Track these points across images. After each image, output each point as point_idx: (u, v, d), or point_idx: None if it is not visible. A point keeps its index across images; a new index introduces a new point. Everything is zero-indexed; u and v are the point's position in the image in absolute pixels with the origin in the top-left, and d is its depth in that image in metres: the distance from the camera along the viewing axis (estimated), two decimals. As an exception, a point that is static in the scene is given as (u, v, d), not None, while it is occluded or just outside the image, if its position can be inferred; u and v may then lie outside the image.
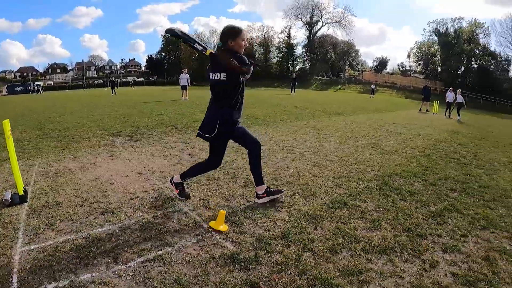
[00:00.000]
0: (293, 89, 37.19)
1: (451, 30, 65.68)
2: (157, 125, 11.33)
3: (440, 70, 67.51)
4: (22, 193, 4.49)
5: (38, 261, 3.03)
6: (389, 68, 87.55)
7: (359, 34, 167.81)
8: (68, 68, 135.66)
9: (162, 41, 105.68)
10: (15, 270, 2.90)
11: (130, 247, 3.31)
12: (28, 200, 4.51)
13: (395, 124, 14.10)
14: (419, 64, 75.29)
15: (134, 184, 5.24)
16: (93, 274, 2.85)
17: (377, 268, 3.01)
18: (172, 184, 4.58)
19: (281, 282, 2.75)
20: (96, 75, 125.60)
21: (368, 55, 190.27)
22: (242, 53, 4.03)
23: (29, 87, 69.89)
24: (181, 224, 3.84)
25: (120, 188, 5.04)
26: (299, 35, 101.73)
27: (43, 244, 3.35)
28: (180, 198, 4.50)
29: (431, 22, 71.44)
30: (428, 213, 4.30)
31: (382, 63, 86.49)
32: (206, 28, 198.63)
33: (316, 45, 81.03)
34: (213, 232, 3.61)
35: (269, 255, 3.15)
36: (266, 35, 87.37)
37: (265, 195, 4.37)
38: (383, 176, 5.89)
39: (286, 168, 6.15)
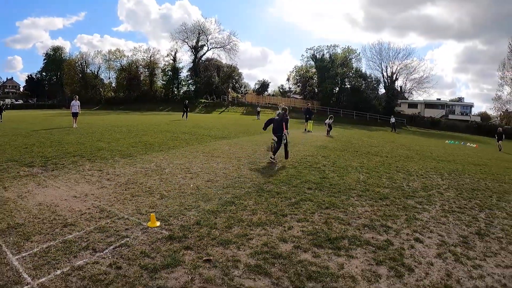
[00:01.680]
0: (185, 114, 37.28)
1: (327, 55, 71.55)
2: (63, 155, 11.50)
3: (317, 91, 73.39)
4: None
5: (38, 261, 4.16)
6: (270, 89, 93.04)
7: (242, 56, 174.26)
8: None
9: (44, 59, 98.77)
10: (21, 270, 3.95)
11: (100, 241, 4.72)
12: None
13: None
14: (298, 86, 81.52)
15: (76, 204, 6.31)
16: (84, 260, 4.20)
17: (256, 232, 5.06)
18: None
19: (202, 244, 4.59)
20: None
21: (250, 77, 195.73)
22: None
23: None
24: (128, 225, 5.34)
25: (67, 208, 6.07)
26: (185, 58, 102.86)
27: (32, 251, 4.41)
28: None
29: (308, 49, 76.05)
30: (290, 203, 6.51)
31: (263, 86, 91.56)
32: (89, 46, 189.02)
33: (201, 68, 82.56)
34: (151, 228, 5.20)
35: (191, 233, 4.95)
36: (152, 58, 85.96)
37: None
38: (259, 184, 7.99)
39: (187, 184, 7.82)
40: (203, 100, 72.01)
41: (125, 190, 7.32)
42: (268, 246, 4.57)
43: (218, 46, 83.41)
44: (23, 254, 4.33)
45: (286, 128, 11.30)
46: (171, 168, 9.58)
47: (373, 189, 7.89)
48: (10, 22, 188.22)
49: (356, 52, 70.81)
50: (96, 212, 5.91)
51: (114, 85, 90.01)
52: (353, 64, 70.28)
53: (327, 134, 25.24)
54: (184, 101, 42.05)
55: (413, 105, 68.20)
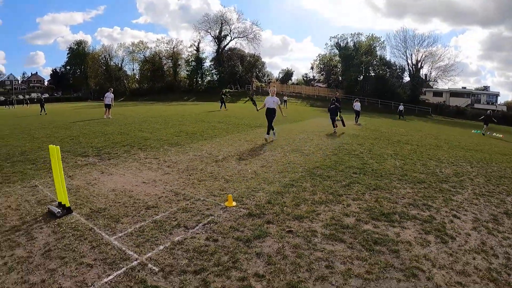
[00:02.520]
0: (223, 104, 35.92)
1: (351, 44, 71.68)
2: (112, 145, 11.97)
3: (341, 79, 73.35)
4: (69, 205, 5.50)
5: (137, 239, 4.62)
6: (294, 78, 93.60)
7: (263, 45, 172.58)
8: None
9: (68, 53, 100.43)
10: (124, 248, 4.37)
11: (188, 220, 5.31)
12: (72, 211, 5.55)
13: (307, 132, 17.33)
14: (322, 75, 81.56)
15: (149, 189, 6.87)
16: (180, 236, 4.75)
17: (321, 209, 5.90)
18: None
19: (280, 219, 5.43)
20: None
21: (271, 65, 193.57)
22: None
23: None
24: (207, 205, 6.00)
25: (142, 192, 6.64)
26: (208, 49, 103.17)
27: (127, 231, 4.86)
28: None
29: (332, 37, 76.78)
30: (341, 185, 7.36)
31: (287, 75, 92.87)
32: (110, 39, 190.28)
33: (225, 58, 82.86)
34: (229, 207, 5.92)
35: (267, 210, 5.79)
36: (175, 49, 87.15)
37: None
38: (309, 169, 8.82)
39: (245, 170, 8.65)
40: (227, 90, 72.58)
41: (190, 175, 7.97)
42: (335, 219, 5.38)
43: (240, 36, 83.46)
44: (119, 235, 4.76)
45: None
46: (223, 155, 10.34)
47: (410, 174, 8.64)
48: (31, 19, 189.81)
49: (380, 40, 70.49)
50: (172, 195, 6.50)
51: (138, 77, 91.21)
52: (377, 52, 69.92)
53: (355, 122, 25.79)
54: (221, 91, 41.80)
55: (438, 93, 67.18)
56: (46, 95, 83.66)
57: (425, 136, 20.14)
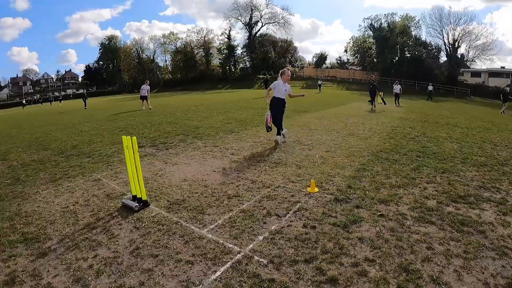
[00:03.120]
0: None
1: (385, 25, 70.91)
2: (165, 134, 12.19)
3: (376, 61, 72.59)
4: (146, 198, 5.41)
5: (231, 230, 4.54)
6: (327, 62, 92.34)
7: (293, 29, 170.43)
8: (2, 85, 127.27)
9: (100, 49, 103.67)
10: (221, 241, 4.28)
11: (277, 208, 5.29)
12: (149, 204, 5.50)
13: (355, 116, 17.44)
14: (356, 57, 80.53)
15: (222, 178, 6.91)
16: (276, 225, 4.70)
17: (401, 192, 6.06)
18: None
19: (366, 203, 5.55)
20: (32, 90, 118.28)
21: (302, 50, 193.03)
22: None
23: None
24: (290, 192, 6.01)
25: (215, 181, 6.65)
26: (239, 36, 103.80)
27: (217, 223, 4.78)
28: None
29: (366, 18, 75.85)
30: (411, 169, 7.48)
31: (321, 58, 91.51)
32: (139, 32, 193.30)
33: (257, 44, 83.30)
34: (313, 193, 5.92)
35: (351, 195, 5.91)
36: (206, 38, 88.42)
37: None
38: (373, 153, 8.97)
39: (312, 155, 8.70)
40: (261, 76, 72.56)
41: (258, 162, 8.04)
42: (418, 202, 5.51)
43: (271, 21, 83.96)
44: (211, 227, 4.68)
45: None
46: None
47: (471, 157, 8.64)
48: (60, 19, 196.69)
49: (414, 20, 69.29)
50: (250, 183, 6.50)
51: (170, 68, 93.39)
52: (412, 32, 68.72)
53: (396, 104, 25.74)
54: (265, 77, 41.97)
55: (476, 74, 65.36)
56: (81, 91, 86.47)
57: (471, 119, 19.87)
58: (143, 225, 4.81)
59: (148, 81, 28.59)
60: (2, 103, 78.82)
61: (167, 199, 5.77)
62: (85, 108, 32.40)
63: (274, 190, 6.14)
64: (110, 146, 10.55)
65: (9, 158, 9.79)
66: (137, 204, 5.27)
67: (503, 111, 27.39)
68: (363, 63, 77.00)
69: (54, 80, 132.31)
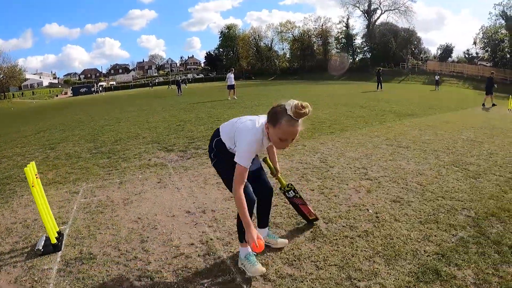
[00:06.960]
0: (379, 84, 33.85)
1: (521, 11, 57.47)
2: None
3: (509, 57, 59.22)
4: (55, 241, 4.08)
5: None
6: (453, 55, 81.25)
7: (416, 18, 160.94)
8: (130, 68, 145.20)
9: (220, 37, 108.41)
10: None
11: None
12: (62, 248, 4.11)
13: (474, 129, 11.61)
14: (486, 51, 67.17)
15: (180, 230, 4.49)
16: None
17: None
18: None
19: None
20: (156, 74, 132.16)
21: (426, 41, 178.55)
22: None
23: (93, 88, 76.94)
24: None
25: (163, 237, 4.32)
26: (358, 25, 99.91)
27: None
28: None
29: (497, 5, 61.01)
30: None
31: (446, 51, 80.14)
32: (259, 21, 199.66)
33: (376, 34, 78.44)
34: None
35: None
36: (323, 26, 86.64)
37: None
38: (477, 219, 4.37)
39: (362, 206, 4.93)
40: (380, 68, 68.41)
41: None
42: None
43: (391, 9, 79.29)
44: None
45: None
46: (341, 167, 6.97)
47: None
48: (183, 9, 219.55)
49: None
50: (197, 255, 3.93)
51: (288, 56, 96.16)
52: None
53: None
54: (377, 70, 39.34)
55: None
56: (185, 76, 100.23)
57: None
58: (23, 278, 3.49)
59: (234, 69, 28.64)
60: (127, 84, 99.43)
61: (82, 248, 4.11)
62: (178, 95, 34.12)
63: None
64: (140, 146, 9.85)
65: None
66: (39, 248, 3.97)
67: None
68: (494, 58, 62.41)
69: (177, 65, 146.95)
